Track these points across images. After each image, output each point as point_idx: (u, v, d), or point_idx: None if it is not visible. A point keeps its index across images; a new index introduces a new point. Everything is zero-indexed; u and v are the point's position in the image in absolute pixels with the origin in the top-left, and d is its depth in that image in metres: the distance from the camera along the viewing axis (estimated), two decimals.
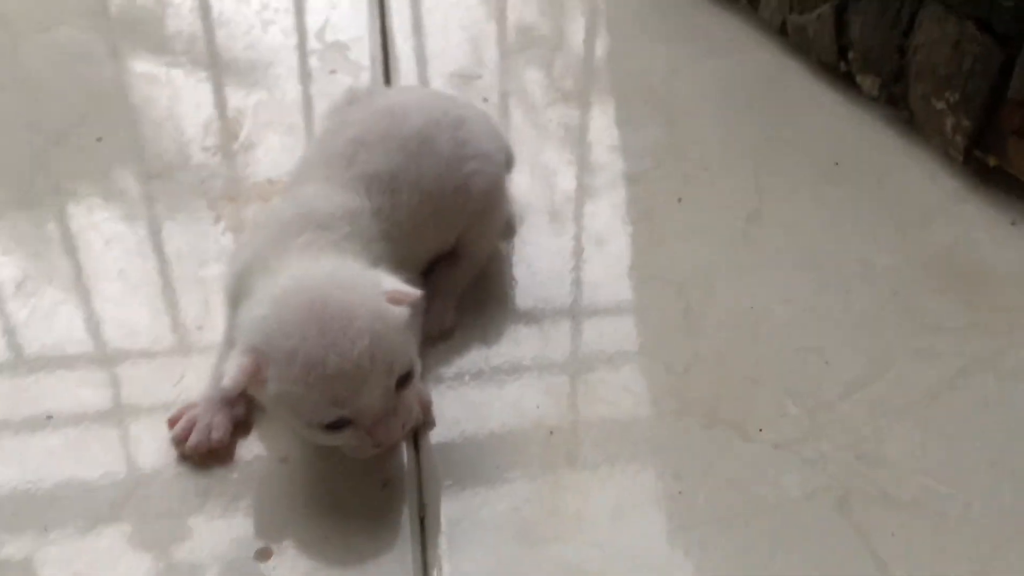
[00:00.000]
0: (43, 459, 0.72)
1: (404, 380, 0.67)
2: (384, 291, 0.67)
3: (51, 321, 0.80)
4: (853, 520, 0.69)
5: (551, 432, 0.74)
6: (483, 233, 0.83)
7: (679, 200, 0.91)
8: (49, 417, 0.75)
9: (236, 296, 0.71)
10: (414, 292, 0.68)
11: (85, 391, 0.76)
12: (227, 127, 0.98)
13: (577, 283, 0.85)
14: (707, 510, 0.70)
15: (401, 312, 0.67)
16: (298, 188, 0.77)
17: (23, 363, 0.78)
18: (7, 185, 0.91)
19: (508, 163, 0.84)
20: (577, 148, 0.96)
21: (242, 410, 0.74)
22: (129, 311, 0.82)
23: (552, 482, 0.72)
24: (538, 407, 0.76)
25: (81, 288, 0.83)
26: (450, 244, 0.82)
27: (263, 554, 0.68)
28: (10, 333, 0.80)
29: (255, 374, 0.65)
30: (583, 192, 0.92)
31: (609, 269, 0.86)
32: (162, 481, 0.71)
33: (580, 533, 0.69)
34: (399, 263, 0.73)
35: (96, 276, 0.84)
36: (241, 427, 0.74)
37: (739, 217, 0.89)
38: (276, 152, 0.95)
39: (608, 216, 0.90)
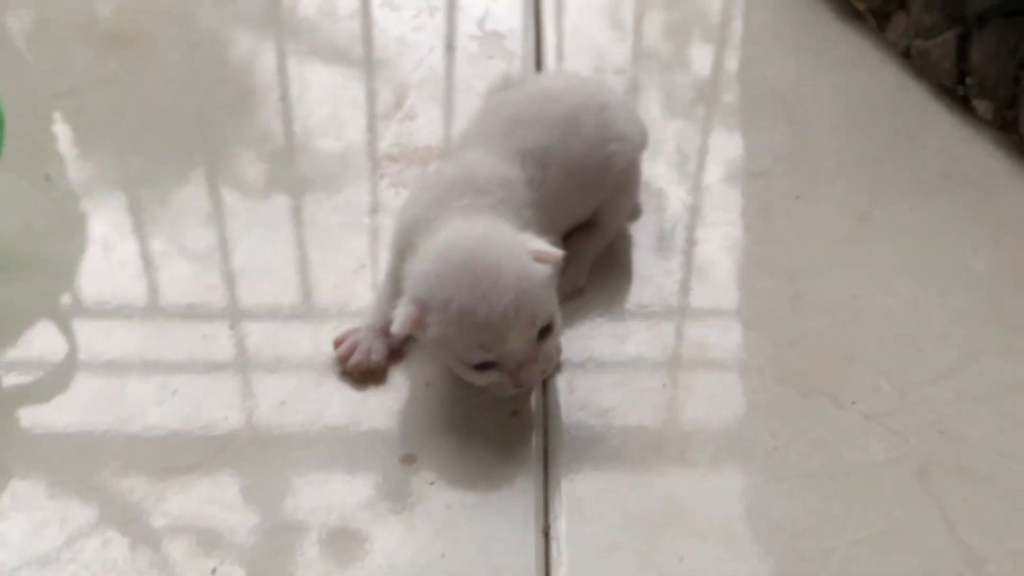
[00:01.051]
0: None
1: (545, 331, 0.77)
2: (530, 251, 0.77)
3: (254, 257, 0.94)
4: (929, 487, 0.77)
5: (663, 385, 0.84)
6: (618, 207, 0.93)
7: (797, 198, 1.00)
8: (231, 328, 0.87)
9: (402, 248, 0.82)
10: (557, 252, 0.78)
11: (281, 297, 0.90)
12: (394, 98, 1.10)
13: (692, 259, 0.94)
14: (797, 465, 0.79)
15: (544, 270, 0.77)
16: (461, 155, 0.88)
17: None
18: (197, 131, 1.05)
19: (644, 143, 0.94)
20: (704, 140, 1.06)
21: (398, 340, 0.84)
22: (304, 252, 0.94)
23: (661, 423, 0.81)
24: (655, 362, 0.86)
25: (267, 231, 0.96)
26: (587, 215, 0.92)
27: (407, 459, 0.79)
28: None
29: (418, 322, 0.76)
30: (706, 182, 1.02)
31: (727, 252, 0.95)
32: (326, 388, 0.83)
33: (682, 471, 0.78)
34: (544, 229, 0.83)
35: (276, 221, 0.97)
36: (395, 354, 0.85)
37: (851, 217, 0.98)
38: (436, 123, 1.06)
39: (728, 206, 0.99)
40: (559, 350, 0.85)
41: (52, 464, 0.78)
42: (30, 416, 0.81)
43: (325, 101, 1.10)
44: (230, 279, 0.91)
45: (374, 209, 0.98)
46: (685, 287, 0.92)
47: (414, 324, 0.76)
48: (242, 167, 1.02)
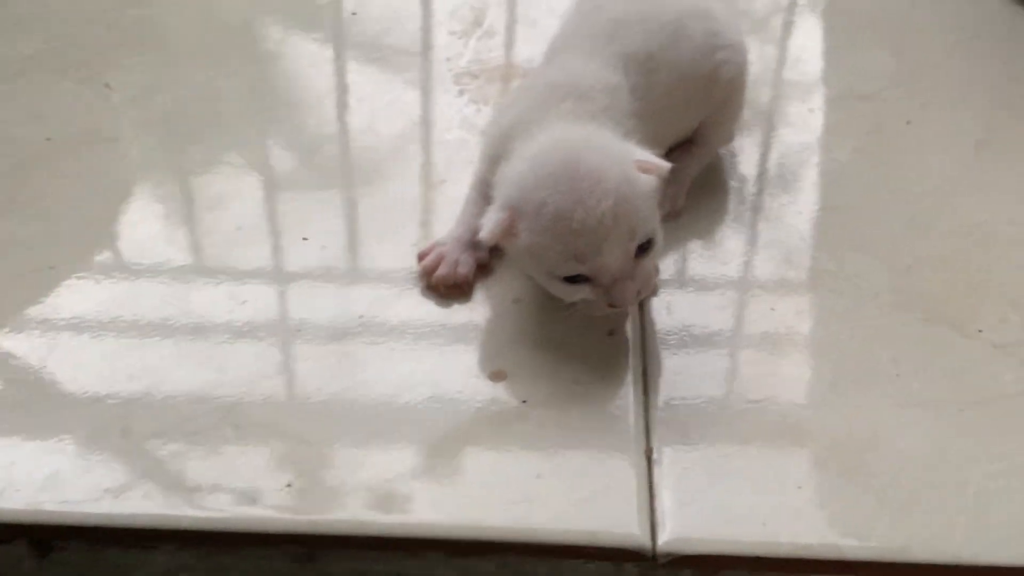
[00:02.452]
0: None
1: (645, 248, 0.70)
2: (635, 160, 0.71)
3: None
4: None
5: (772, 308, 0.77)
6: (722, 122, 0.86)
7: (908, 123, 0.93)
8: (305, 238, 0.82)
9: (495, 155, 0.76)
10: (664, 164, 0.71)
11: (342, 223, 0.84)
12: (472, 15, 1.04)
13: (797, 180, 0.87)
14: (921, 394, 0.72)
15: (649, 180, 0.71)
16: (560, 58, 0.82)
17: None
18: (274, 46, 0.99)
19: (747, 58, 0.87)
20: (809, 65, 0.99)
21: (485, 253, 0.78)
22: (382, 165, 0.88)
23: (770, 350, 0.75)
24: (759, 286, 0.79)
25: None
26: (690, 131, 0.86)
27: (497, 375, 0.73)
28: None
29: (509, 228, 0.70)
30: (810, 105, 0.95)
31: (833, 175, 0.88)
32: (404, 306, 0.77)
33: (796, 394, 0.72)
34: (646, 142, 0.77)
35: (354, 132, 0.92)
36: (483, 269, 0.79)
37: (967, 143, 0.91)
38: (517, 41, 1.00)
39: (836, 130, 0.92)
40: (657, 271, 0.79)
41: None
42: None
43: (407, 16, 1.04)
44: (302, 189, 0.86)
45: (455, 125, 0.92)
46: (790, 209, 0.85)
47: (505, 231, 0.70)
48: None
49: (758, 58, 0.99)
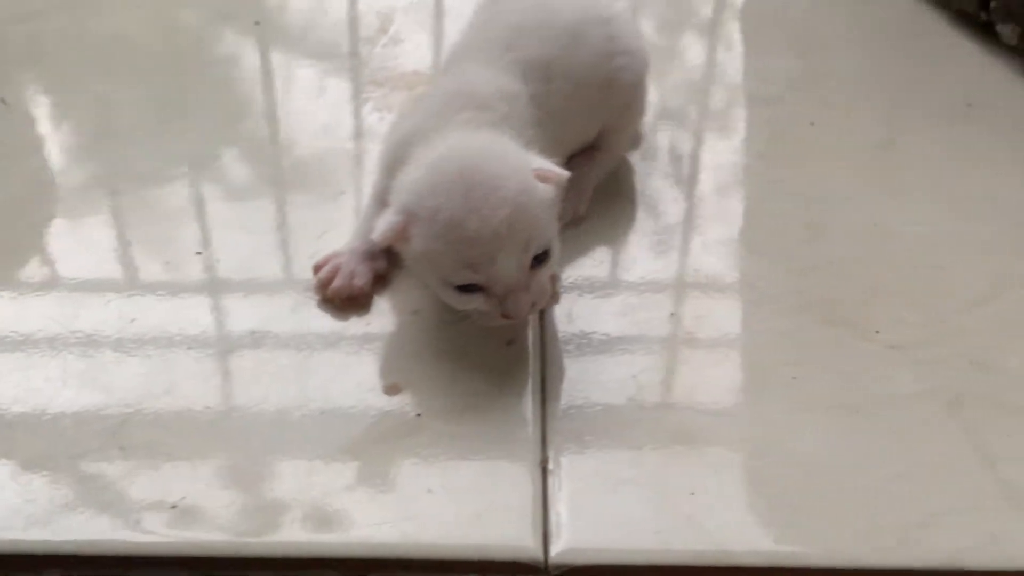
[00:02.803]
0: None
1: (541, 259, 0.69)
2: (534, 168, 0.70)
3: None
4: (963, 420, 0.71)
5: (672, 314, 0.77)
6: (623, 128, 0.86)
7: (811, 124, 0.93)
8: (199, 252, 0.80)
9: (393, 163, 0.75)
10: (562, 172, 0.71)
11: (239, 236, 0.82)
12: (379, 22, 1.03)
13: (698, 185, 0.87)
14: (819, 396, 0.72)
15: (546, 190, 0.70)
16: (459, 67, 0.81)
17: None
18: (173, 56, 0.97)
19: (648, 62, 0.87)
20: (711, 68, 0.99)
21: (383, 264, 0.77)
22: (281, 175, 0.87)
23: (669, 357, 0.74)
24: (659, 291, 0.79)
25: None
26: (591, 138, 0.85)
27: (392, 388, 0.72)
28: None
29: (402, 232, 0.69)
30: (713, 107, 0.95)
31: (735, 178, 0.88)
32: (298, 319, 0.76)
33: (693, 402, 0.71)
34: (546, 150, 0.76)
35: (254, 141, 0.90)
36: (380, 280, 0.77)
37: (870, 145, 0.91)
38: (423, 48, 0.99)
39: (741, 134, 0.93)
40: (557, 281, 0.78)
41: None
42: None
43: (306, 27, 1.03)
44: (199, 203, 0.84)
45: (357, 134, 0.90)
46: (691, 214, 0.85)
47: (397, 235, 0.69)
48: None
49: (666, 61, 0.99)
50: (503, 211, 0.67)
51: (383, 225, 0.69)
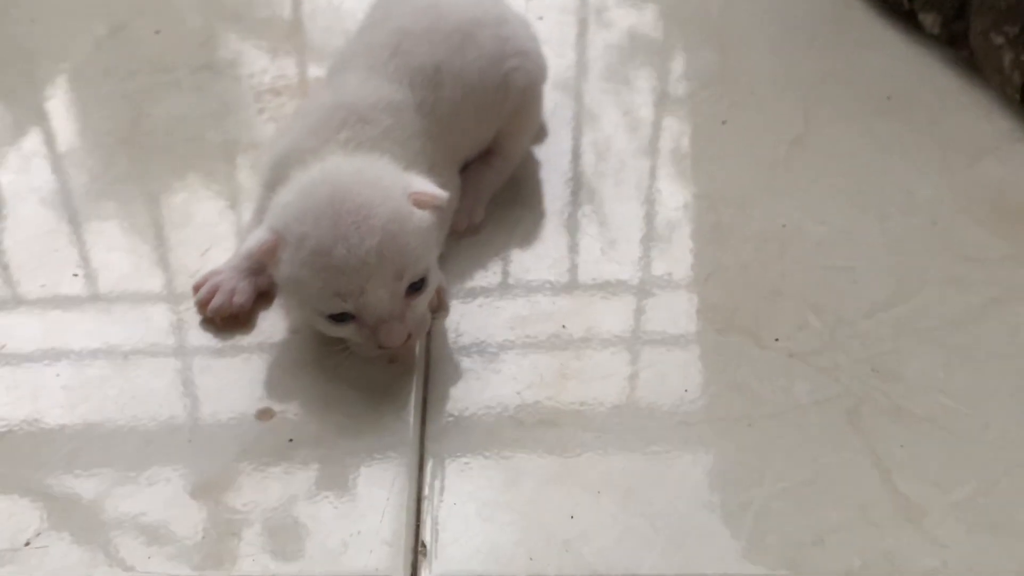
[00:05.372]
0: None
1: (417, 286, 0.67)
2: (411, 192, 0.67)
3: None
4: (861, 430, 0.68)
5: (563, 326, 0.74)
6: (520, 132, 0.83)
7: (723, 123, 0.90)
8: (75, 275, 0.77)
9: (271, 181, 0.72)
10: (440, 194, 0.68)
11: (115, 255, 0.79)
12: (280, 29, 1.00)
13: (601, 189, 0.84)
14: (711, 409, 0.69)
15: (423, 216, 0.67)
16: (339, 77, 0.78)
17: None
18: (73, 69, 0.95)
19: (545, 65, 0.84)
20: (624, 67, 0.96)
21: (266, 280, 0.74)
22: (166, 189, 0.84)
23: (556, 371, 0.71)
24: (552, 302, 0.76)
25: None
26: (486, 143, 0.82)
27: (264, 414, 0.69)
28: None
29: (271, 252, 0.66)
30: (628, 108, 0.92)
31: (639, 181, 0.85)
32: (183, 336, 0.73)
33: (579, 419, 0.68)
34: (437, 161, 0.73)
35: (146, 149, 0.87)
36: (263, 298, 0.75)
37: (782, 142, 0.88)
38: (328, 54, 0.96)
39: (651, 134, 0.89)
40: (445, 292, 0.75)
41: None
42: None
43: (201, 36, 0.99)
44: (74, 218, 0.81)
45: (251, 145, 0.87)
46: (590, 219, 0.82)
47: (265, 254, 0.67)
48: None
49: (574, 62, 0.96)
50: (372, 240, 0.64)
51: (252, 242, 0.67)
